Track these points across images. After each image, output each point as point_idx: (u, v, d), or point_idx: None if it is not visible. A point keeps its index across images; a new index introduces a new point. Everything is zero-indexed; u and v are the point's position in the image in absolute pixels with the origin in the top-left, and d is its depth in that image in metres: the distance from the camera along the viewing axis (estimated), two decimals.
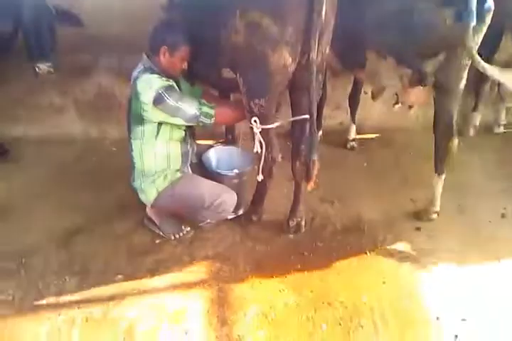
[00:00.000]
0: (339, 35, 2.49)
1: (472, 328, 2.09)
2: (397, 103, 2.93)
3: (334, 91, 3.83)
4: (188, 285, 2.30)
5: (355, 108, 3.62)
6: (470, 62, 2.35)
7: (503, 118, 3.95)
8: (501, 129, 3.96)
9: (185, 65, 2.38)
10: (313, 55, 2.07)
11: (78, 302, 2.19)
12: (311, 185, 2.35)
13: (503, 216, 2.87)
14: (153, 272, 2.38)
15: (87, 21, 3.35)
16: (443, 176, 2.67)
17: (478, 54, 2.28)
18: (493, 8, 2.23)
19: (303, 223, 2.69)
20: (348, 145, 3.68)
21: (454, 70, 2.38)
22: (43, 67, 2.95)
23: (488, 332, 2.08)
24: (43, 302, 2.19)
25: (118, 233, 2.67)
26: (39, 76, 3.00)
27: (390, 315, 2.15)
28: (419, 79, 2.43)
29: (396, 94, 2.80)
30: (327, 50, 2.29)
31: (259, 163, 2.43)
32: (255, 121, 2.29)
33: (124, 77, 3.56)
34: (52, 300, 2.21)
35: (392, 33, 2.35)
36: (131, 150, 2.46)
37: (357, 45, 2.61)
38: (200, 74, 2.66)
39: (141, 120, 2.33)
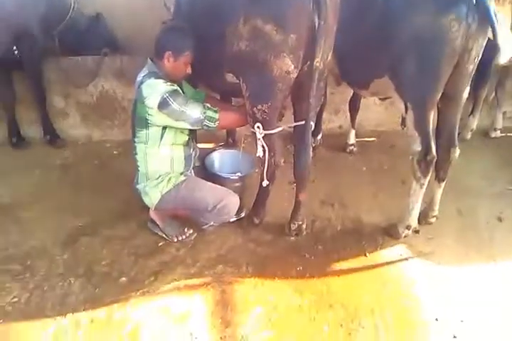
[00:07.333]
0: (348, 59, 2.49)
1: (470, 329, 2.13)
2: (403, 124, 2.90)
3: (333, 95, 3.88)
4: (192, 287, 2.33)
5: (355, 113, 3.65)
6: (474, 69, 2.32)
7: (499, 123, 4.02)
8: (498, 134, 4.03)
9: (189, 70, 2.39)
10: (316, 62, 2.10)
11: (83, 304, 2.21)
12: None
13: (499, 219, 2.92)
14: (156, 274, 2.41)
15: None
16: (443, 184, 2.69)
17: None
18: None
19: (304, 226, 2.72)
20: (348, 149, 3.73)
21: (460, 80, 2.33)
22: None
23: (486, 332, 2.12)
24: (49, 304, 2.21)
25: (121, 235, 2.70)
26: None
27: (390, 316, 2.19)
28: None
29: (402, 116, 2.78)
30: (329, 57, 2.30)
31: (263, 168, 2.46)
32: (258, 126, 2.32)
33: (126, 79, 3.62)
34: (57, 302, 2.23)
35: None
36: (135, 153, 2.48)
37: (365, 71, 2.57)
38: (204, 78, 2.68)
39: (145, 124, 2.35)
